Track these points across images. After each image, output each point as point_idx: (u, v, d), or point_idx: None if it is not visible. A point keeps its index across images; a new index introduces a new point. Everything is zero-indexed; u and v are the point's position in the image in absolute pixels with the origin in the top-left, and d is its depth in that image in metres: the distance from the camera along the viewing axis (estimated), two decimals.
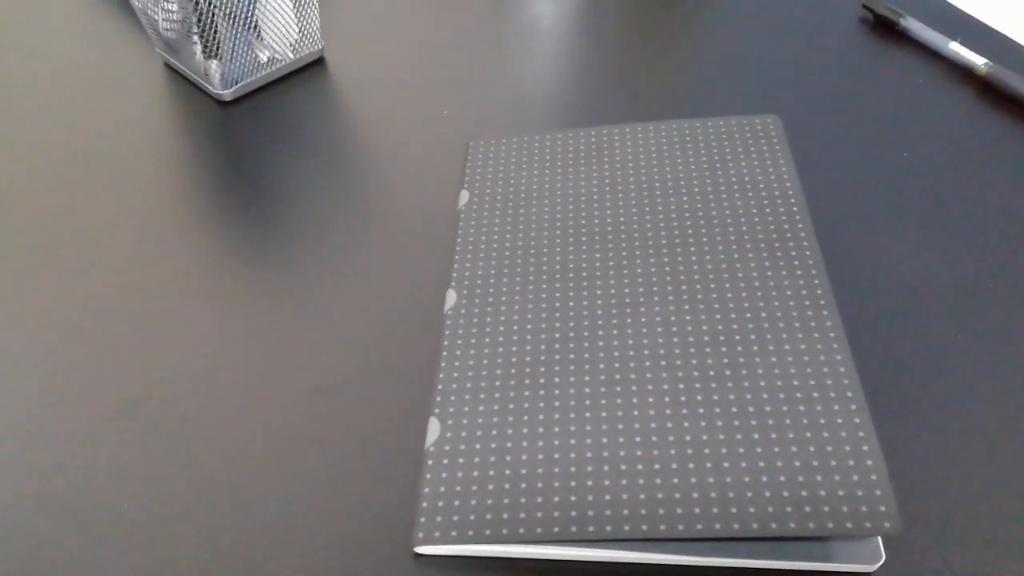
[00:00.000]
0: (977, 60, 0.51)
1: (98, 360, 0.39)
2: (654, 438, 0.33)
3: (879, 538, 0.31)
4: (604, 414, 0.34)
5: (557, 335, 0.37)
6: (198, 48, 0.50)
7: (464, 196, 0.44)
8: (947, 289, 0.40)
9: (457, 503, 0.32)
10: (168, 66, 0.55)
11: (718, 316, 0.37)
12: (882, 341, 0.38)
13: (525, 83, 0.53)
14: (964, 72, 0.52)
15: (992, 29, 0.55)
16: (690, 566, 0.32)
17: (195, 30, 0.48)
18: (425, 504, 0.33)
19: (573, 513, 0.31)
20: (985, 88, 0.51)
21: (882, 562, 0.31)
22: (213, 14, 0.48)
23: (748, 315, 0.37)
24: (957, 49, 0.52)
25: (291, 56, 0.53)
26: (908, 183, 0.45)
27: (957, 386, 0.37)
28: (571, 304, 0.38)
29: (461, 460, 0.34)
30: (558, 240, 0.41)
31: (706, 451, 0.32)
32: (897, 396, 0.36)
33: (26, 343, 0.39)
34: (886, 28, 0.56)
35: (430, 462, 0.34)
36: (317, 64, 0.55)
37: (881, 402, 0.36)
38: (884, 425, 0.36)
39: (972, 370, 0.37)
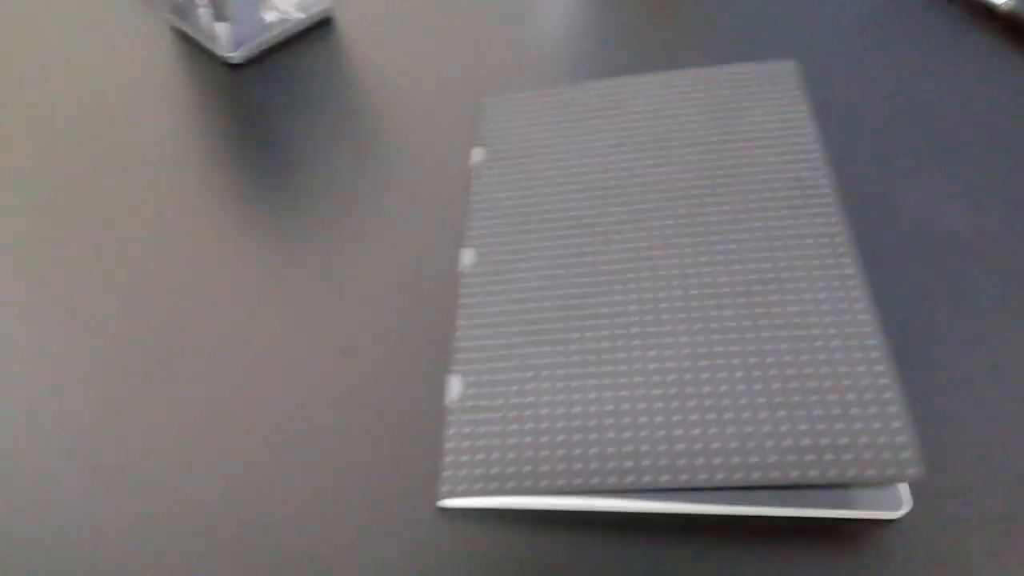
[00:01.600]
0: None
1: (120, 323, 0.39)
2: (673, 389, 0.33)
3: (905, 485, 0.31)
4: (623, 367, 0.34)
5: (574, 289, 0.37)
6: (205, 10, 0.49)
7: (477, 153, 0.43)
8: (968, 234, 0.40)
9: (480, 457, 0.33)
10: (175, 29, 0.54)
11: (737, 266, 0.36)
12: (903, 287, 0.38)
13: (535, 38, 0.52)
14: (985, 10, 0.51)
15: None
16: (712, 515, 0.32)
17: None
18: (449, 458, 0.33)
19: (594, 465, 0.32)
20: (1007, 26, 0.50)
21: (908, 509, 0.31)
22: None
23: (767, 264, 0.36)
24: None
25: (299, 15, 0.53)
26: (927, 126, 0.45)
27: (981, 331, 0.36)
28: (588, 258, 0.38)
29: (483, 415, 0.34)
30: (573, 194, 0.41)
31: (726, 401, 0.32)
32: (921, 342, 0.36)
33: (48, 304, 0.40)
34: None
35: (452, 418, 0.34)
36: (326, 24, 0.54)
37: (905, 349, 0.36)
38: (909, 372, 0.35)
39: (996, 315, 0.37)
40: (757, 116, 0.42)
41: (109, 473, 0.34)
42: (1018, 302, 0.37)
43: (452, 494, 0.32)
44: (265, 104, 0.49)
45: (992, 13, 0.51)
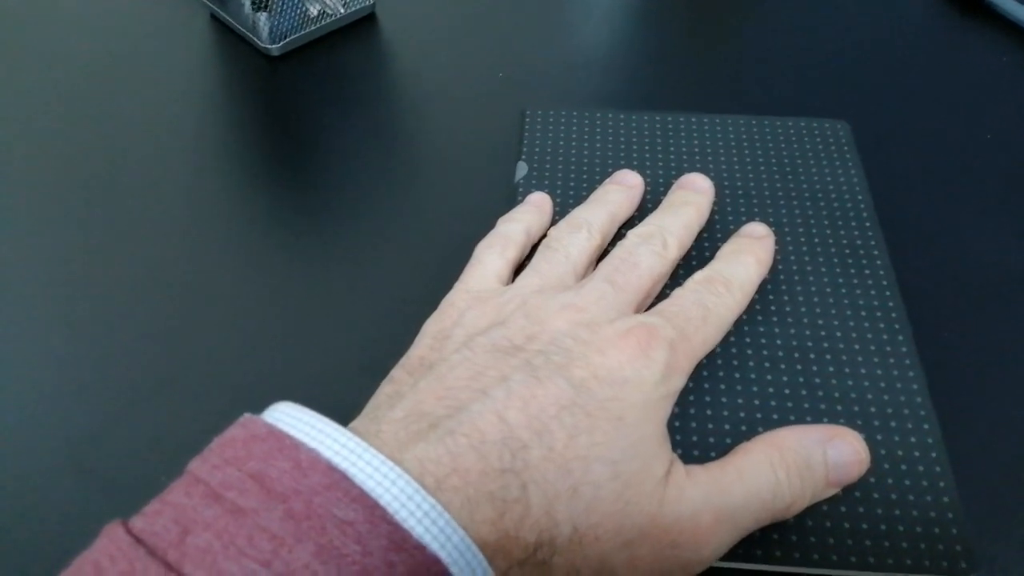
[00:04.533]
0: None
1: (139, 325, 0.38)
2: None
3: (970, 548, 0.30)
4: (676, 424, 0.32)
5: None
6: (247, 0, 0.48)
7: (522, 168, 0.42)
8: None
9: None
10: (215, 18, 0.53)
11: (792, 331, 0.35)
12: (960, 332, 0.36)
13: (584, 52, 0.50)
14: None
15: None
16: (765, 572, 0.30)
17: None
18: None
19: None
20: None
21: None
22: None
23: (822, 332, 0.34)
24: None
25: (341, 11, 0.51)
26: (991, 167, 0.43)
27: None
28: None
29: None
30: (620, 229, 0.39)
31: None
32: (978, 395, 0.35)
33: (63, 306, 0.38)
34: (966, 2, 0.53)
35: None
36: (368, 20, 0.52)
37: (959, 399, 0.34)
38: (966, 428, 0.34)
39: None
40: (810, 175, 0.41)
41: (100, 482, 0.33)
42: None
43: None
44: (302, 99, 0.48)
45: None
